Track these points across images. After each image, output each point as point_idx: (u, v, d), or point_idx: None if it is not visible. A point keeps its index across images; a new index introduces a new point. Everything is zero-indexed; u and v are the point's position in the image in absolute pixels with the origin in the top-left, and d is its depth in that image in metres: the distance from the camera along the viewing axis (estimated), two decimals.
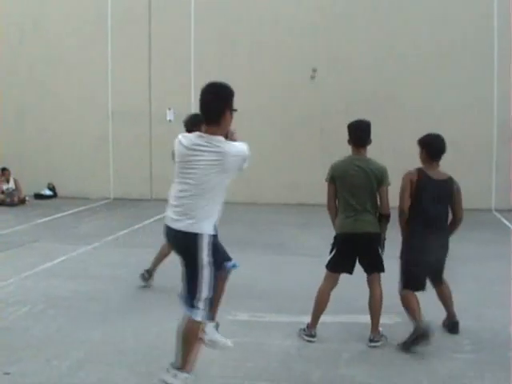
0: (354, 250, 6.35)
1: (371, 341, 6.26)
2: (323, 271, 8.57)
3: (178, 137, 4.99)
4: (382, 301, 6.33)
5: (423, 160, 6.48)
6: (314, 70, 15.43)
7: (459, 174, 13.59)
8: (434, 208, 6.32)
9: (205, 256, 4.81)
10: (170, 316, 7.13)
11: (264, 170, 15.14)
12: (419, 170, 6.42)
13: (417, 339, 6.04)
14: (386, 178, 6.31)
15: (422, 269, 6.31)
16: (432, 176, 6.38)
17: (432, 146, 6.44)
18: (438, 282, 6.61)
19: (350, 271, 6.47)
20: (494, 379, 5.46)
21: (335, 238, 6.44)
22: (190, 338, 4.92)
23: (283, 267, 9.31)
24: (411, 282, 6.31)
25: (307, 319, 6.52)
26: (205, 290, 4.84)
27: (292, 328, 6.67)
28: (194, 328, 4.93)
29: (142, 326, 6.78)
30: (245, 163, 4.86)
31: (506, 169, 14.67)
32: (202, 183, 4.78)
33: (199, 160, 4.78)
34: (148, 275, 8.35)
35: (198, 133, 4.93)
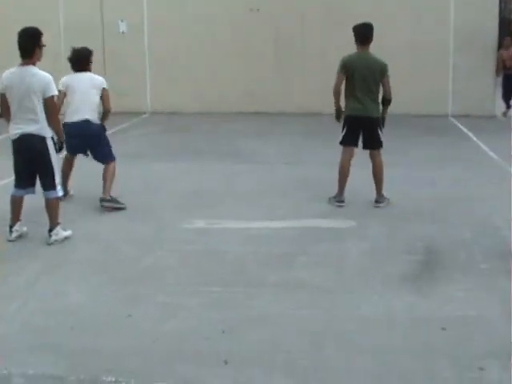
0: (359, 129, 7.57)
1: (376, 202, 7.65)
2: (279, 178, 8.60)
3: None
4: (383, 168, 7.64)
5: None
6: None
7: (416, 80, 13.56)
8: None
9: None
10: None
11: (219, 79, 14.78)
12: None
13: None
14: (386, 71, 7.50)
15: None
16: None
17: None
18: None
19: (356, 145, 7.70)
20: (447, 280, 5.53)
21: (345, 118, 7.61)
22: None
23: (239, 175, 9.27)
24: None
25: (262, 225, 6.54)
26: None
27: (248, 234, 6.69)
28: None
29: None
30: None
31: (463, 74, 14.67)
32: None
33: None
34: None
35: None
